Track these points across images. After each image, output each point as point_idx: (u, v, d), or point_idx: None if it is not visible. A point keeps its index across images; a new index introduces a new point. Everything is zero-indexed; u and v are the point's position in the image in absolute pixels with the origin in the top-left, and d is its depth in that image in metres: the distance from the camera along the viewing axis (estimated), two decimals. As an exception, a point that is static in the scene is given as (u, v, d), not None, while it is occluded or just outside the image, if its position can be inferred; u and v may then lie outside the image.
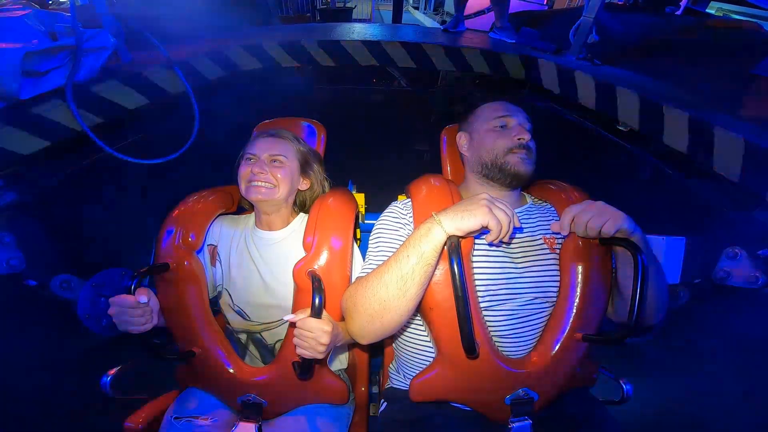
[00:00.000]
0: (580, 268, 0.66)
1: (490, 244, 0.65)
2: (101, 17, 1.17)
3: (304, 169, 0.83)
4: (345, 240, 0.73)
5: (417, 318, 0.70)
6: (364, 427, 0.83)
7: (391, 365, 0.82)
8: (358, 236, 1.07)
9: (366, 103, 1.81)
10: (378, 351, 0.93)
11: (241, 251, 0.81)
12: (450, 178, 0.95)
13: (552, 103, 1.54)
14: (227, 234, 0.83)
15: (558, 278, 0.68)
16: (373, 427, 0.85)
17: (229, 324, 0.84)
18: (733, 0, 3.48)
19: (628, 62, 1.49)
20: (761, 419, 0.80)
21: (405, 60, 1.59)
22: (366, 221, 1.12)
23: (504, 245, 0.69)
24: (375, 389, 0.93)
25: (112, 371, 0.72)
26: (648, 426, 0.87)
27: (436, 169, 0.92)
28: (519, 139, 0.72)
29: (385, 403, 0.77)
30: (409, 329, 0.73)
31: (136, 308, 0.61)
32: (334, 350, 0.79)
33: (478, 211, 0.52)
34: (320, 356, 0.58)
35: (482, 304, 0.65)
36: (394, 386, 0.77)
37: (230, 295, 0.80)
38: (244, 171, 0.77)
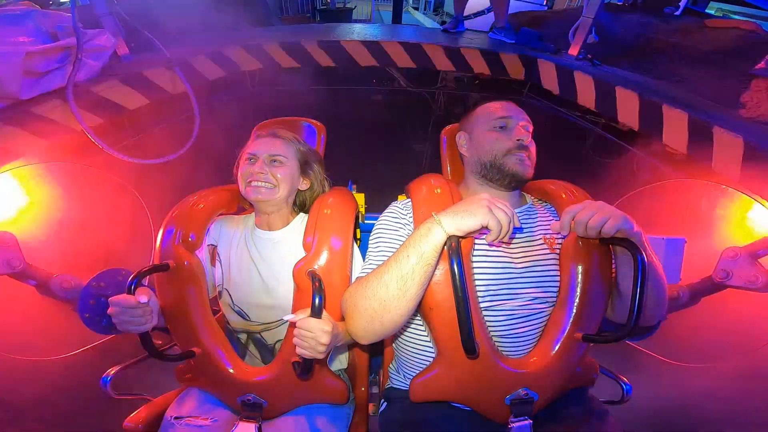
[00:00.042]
0: (580, 268, 0.66)
1: (490, 244, 0.65)
2: (102, 18, 1.17)
3: (304, 169, 0.83)
4: (345, 240, 0.73)
5: (417, 318, 0.70)
6: (364, 427, 0.83)
7: (391, 365, 0.82)
8: (358, 236, 1.07)
9: (366, 103, 1.81)
10: (378, 351, 0.93)
11: (241, 251, 0.81)
12: (450, 178, 0.95)
13: (551, 103, 1.54)
14: (227, 234, 0.83)
15: (558, 278, 0.68)
16: (373, 427, 0.85)
17: (229, 324, 0.84)
18: (732, 0, 3.49)
19: (627, 62, 1.49)
20: (761, 419, 0.80)
21: (405, 60, 1.60)
22: (366, 221, 1.12)
23: (504, 245, 0.69)
24: (375, 389, 0.93)
25: (112, 371, 0.72)
26: (648, 426, 0.87)
27: (436, 169, 0.92)
28: (518, 140, 0.71)
29: (385, 403, 0.77)
30: (409, 329, 0.73)
31: (136, 308, 0.61)
32: (334, 350, 0.79)
33: (478, 211, 0.52)
34: (320, 356, 0.58)
35: (482, 304, 0.65)
36: (394, 386, 0.77)
37: (230, 295, 0.80)
38: (244, 171, 0.77)
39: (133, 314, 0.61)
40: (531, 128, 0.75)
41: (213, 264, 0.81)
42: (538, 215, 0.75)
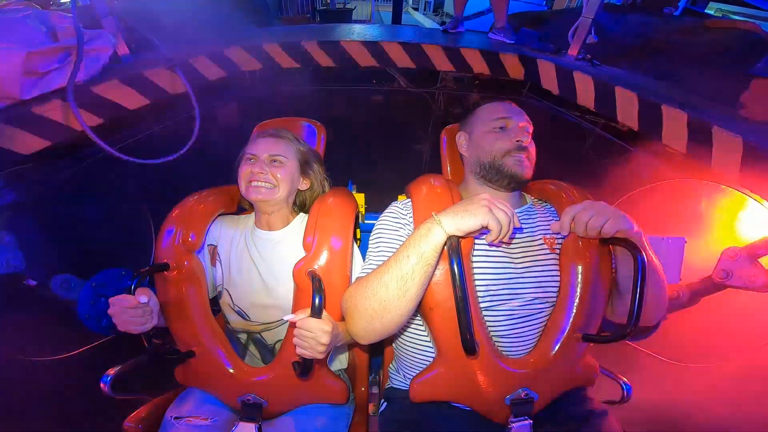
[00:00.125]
0: (580, 268, 0.66)
1: (490, 244, 0.65)
2: (102, 18, 1.17)
3: (304, 169, 0.83)
4: (345, 240, 0.73)
5: (417, 318, 0.70)
6: (364, 427, 0.83)
7: (391, 365, 0.82)
8: (358, 236, 1.07)
9: (366, 104, 1.81)
10: (378, 351, 0.93)
11: (241, 251, 0.81)
12: (450, 178, 0.95)
13: (551, 103, 1.54)
14: (227, 234, 0.83)
15: (558, 278, 0.68)
16: (373, 427, 0.84)
17: (229, 324, 0.84)
18: (731, 0, 3.49)
19: (626, 62, 1.49)
20: (761, 419, 0.80)
21: (405, 60, 1.60)
22: (366, 221, 1.12)
23: (504, 245, 0.69)
24: (375, 389, 0.93)
25: (112, 371, 0.72)
26: (648, 426, 0.87)
27: (436, 169, 0.92)
28: (518, 141, 0.71)
29: (385, 403, 0.77)
30: (409, 329, 0.73)
31: (136, 308, 0.61)
32: (334, 350, 0.79)
33: (478, 211, 0.52)
34: (320, 356, 0.58)
35: (482, 304, 0.65)
36: (394, 386, 0.77)
37: (230, 295, 0.80)
38: (244, 171, 0.77)
39: (133, 314, 0.61)
40: (531, 129, 0.75)
41: (213, 264, 0.81)
42: (538, 215, 0.75)
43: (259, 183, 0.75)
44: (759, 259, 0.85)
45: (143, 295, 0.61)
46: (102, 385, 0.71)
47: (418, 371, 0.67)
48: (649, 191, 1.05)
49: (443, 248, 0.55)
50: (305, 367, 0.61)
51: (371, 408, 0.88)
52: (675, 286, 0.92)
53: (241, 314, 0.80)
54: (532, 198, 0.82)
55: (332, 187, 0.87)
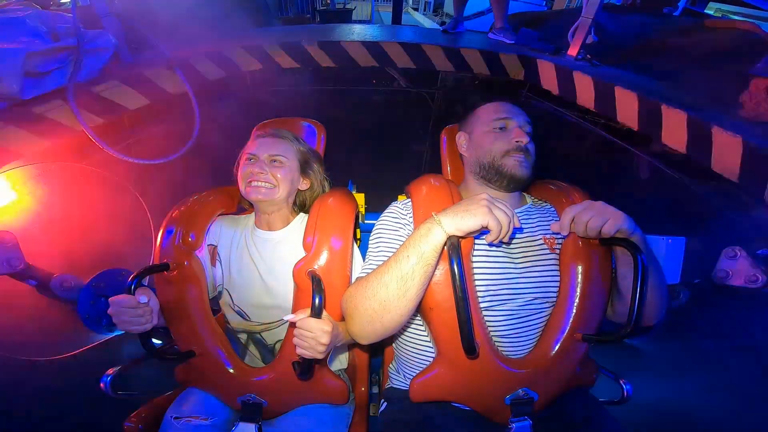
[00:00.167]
0: (580, 268, 0.66)
1: (490, 245, 0.65)
2: (102, 18, 1.17)
3: (304, 169, 0.83)
4: (345, 240, 0.73)
5: (417, 318, 0.70)
6: (364, 427, 0.83)
7: (391, 365, 0.82)
8: (358, 236, 1.07)
9: (366, 104, 1.81)
10: (378, 351, 0.93)
11: (241, 251, 0.81)
12: (450, 178, 0.95)
13: (551, 103, 1.54)
14: (227, 234, 0.83)
15: (558, 278, 0.68)
16: (373, 427, 0.85)
17: (229, 324, 0.84)
18: (731, 0, 3.49)
19: (626, 63, 1.49)
20: (761, 419, 0.80)
21: (404, 61, 1.60)
22: (366, 221, 1.12)
23: (504, 245, 0.69)
24: (375, 389, 0.93)
25: (112, 371, 0.72)
26: (648, 426, 0.87)
27: (436, 169, 0.92)
28: (517, 141, 0.71)
29: (385, 403, 0.77)
30: (409, 329, 0.73)
31: (136, 308, 0.61)
32: (334, 350, 0.79)
33: (477, 212, 0.52)
34: (320, 356, 0.58)
35: (482, 305, 0.65)
36: (394, 386, 0.77)
37: (230, 295, 0.80)
38: (244, 171, 0.77)
39: (133, 314, 0.61)
40: (531, 129, 0.75)
41: (213, 264, 0.81)
42: (538, 215, 0.75)
43: (259, 183, 0.75)
44: (759, 259, 0.85)
45: (143, 295, 0.61)
46: (102, 385, 0.71)
47: (418, 371, 0.67)
48: (648, 191, 1.05)
49: (443, 248, 0.55)
50: (305, 367, 0.61)
51: (371, 408, 0.88)
52: (675, 286, 0.92)
53: (241, 314, 0.80)
54: (532, 198, 0.82)
55: (332, 187, 0.88)
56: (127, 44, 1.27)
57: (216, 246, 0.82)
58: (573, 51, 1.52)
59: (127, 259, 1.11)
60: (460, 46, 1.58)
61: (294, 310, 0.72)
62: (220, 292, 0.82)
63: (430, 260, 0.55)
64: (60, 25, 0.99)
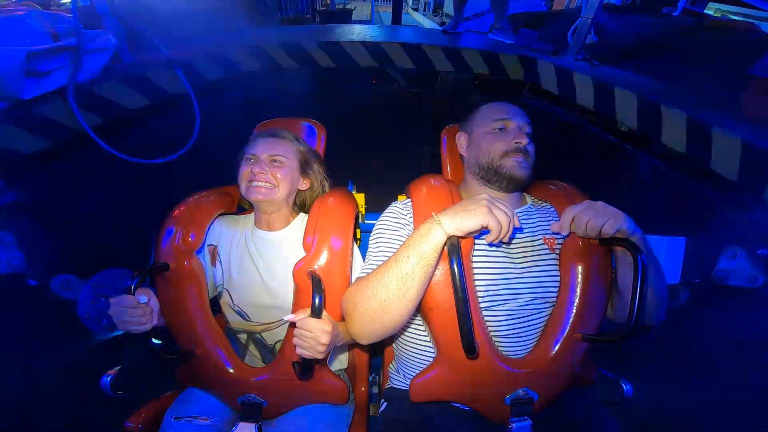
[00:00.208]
0: (580, 269, 0.66)
1: (490, 245, 0.65)
2: (103, 18, 1.17)
3: (304, 169, 0.83)
4: (345, 240, 0.73)
5: (417, 318, 0.70)
6: (364, 427, 0.83)
7: (391, 365, 0.82)
8: (358, 236, 1.07)
9: (366, 104, 1.81)
10: (378, 351, 0.93)
11: (241, 251, 0.81)
12: (450, 178, 0.95)
13: (551, 103, 1.55)
14: (227, 234, 0.83)
15: (558, 278, 0.68)
16: (373, 427, 0.85)
17: (229, 324, 0.84)
18: (730, 0, 3.50)
19: (626, 63, 1.50)
20: (761, 419, 0.80)
21: (404, 61, 1.60)
22: (366, 221, 1.12)
23: (504, 245, 0.69)
24: (375, 389, 0.93)
25: (112, 371, 0.72)
26: (648, 426, 0.87)
27: (436, 169, 0.92)
28: (516, 142, 0.71)
29: (385, 403, 0.77)
30: (409, 329, 0.73)
31: (136, 308, 0.61)
32: (334, 350, 0.79)
33: (477, 212, 0.52)
34: (320, 356, 0.58)
35: (482, 305, 0.65)
36: (394, 386, 0.77)
37: (230, 295, 0.80)
38: (244, 171, 0.77)
39: (133, 314, 0.61)
40: (530, 130, 0.75)
41: (213, 264, 0.81)
42: (538, 215, 0.75)
43: (259, 183, 0.75)
44: (759, 259, 0.85)
45: (143, 295, 0.61)
46: (102, 385, 0.71)
47: (418, 371, 0.67)
48: (648, 191, 1.06)
49: (443, 248, 0.55)
50: (305, 367, 0.61)
51: (371, 408, 0.88)
52: (675, 286, 0.92)
53: (241, 314, 0.80)
54: (532, 198, 0.82)
55: (332, 187, 0.88)
56: (127, 44, 1.27)
57: (216, 246, 0.82)
58: (573, 51, 1.52)
59: (127, 259, 1.11)
60: (460, 46, 1.58)
61: (294, 310, 0.72)
62: (220, 293, 0.82)
63: (430, 260, 0.55)
64: (60, 25, 0.99)
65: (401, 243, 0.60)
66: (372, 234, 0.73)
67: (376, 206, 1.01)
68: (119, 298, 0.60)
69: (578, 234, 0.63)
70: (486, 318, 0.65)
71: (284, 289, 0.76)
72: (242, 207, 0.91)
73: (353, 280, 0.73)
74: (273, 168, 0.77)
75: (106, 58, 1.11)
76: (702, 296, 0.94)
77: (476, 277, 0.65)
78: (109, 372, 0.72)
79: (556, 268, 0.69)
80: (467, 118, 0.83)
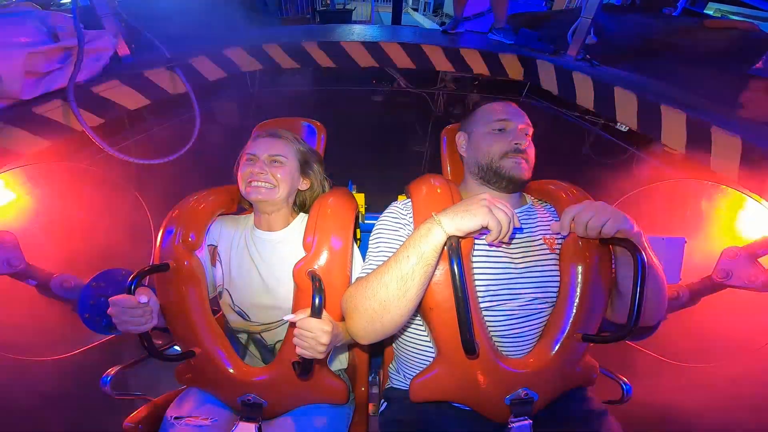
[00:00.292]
0: (580, 269, 0.66)
1: (490, 245, 0.65)
2: (103, 18, 1.18)
3: (304, 169, 0.83)
4: (345, 240, 0.73)
5: (417, 318, 0.70)
6: (364, 427, 0.83)
7: (391, 365, 0.82)
8: (358, 236, 1.07)
9: (366, 104, 1.81)
10: (378, 351, 0.93)
11: (241, 251, 0.81)
12: (450, 178, 0.95)
13: (551, 103, 1.55)
14: (227, 234, 0.83)
15: (558, 278, 0.68)
16: (373, 427, 0.85)
17: (229, 324, 0.84)
18: (730, 0, 3.50)
19: (625, 63, 1.50)
20: (761, 419, 0.80)
21: (404, 61, 1.60)
22: (366, 221, 1.12)
23: (504, 245, 0.69)
24: (375, 389, 0.93)
25: (112, 371, 0.72)
26: (648, 426, 0.87)
27: (436, 169, 0.92)
28: (516, 143, 0.71)
29: (385, 403, 0.77)
30: (409, 329, 0.73)
31: (136, 308, 0.61)
32: (334, 350, 0.79)
33: (477, 212, 0.52)
34: (320, 356, 0.58)
35: (482, 305, 0.65)
36: (394, 386, 0.77)
37: (230, 295, 0.80)
38: (244, 171, 0.77)
39: (133, 314, 0.61)
40: (530, 131, 0.75)
41: (213, 264, 0.81)
42: (538, 215, 0.75)
43: (259, 183, 0.75)
44: (759, 259, 0.85)
45: (143, 295, 0.61)
46: (102, 385, 0.71)
47: (418, 371, 0.67)
48: (649, 191, 1.06)
49: (443, 248, 0.55)
50: (305, 367, 0.61)
51: (371, 408, 0.88)
52: (675, 286, 0.92)
53: (241, 314, 0.80)
54: (532, 198, 0.82)
55: (332, 187, 0.88)
56: (128, 44, 1.27)
57: (216, 246, 0.82)
58: (572, 51, 1.52)
59: (127, 259, 1.11)
60: (460, 46, 1.58)
61: (294, 310, 0.72)
62: (220, 293, 0.82)
63: (430, 260, 0.55)
64: (60, 25, 1.00)
65: (401, 243, 0.60)
66: (372, 234, 0.73)
67: (376, 206, 1.01)
68: (119, 298, 0.60)
69: (578, 234, 0.63)
70: (486, 318, 0.65)
71: (284, 289, 0.76)
72: (242, 207, 0.91)
73: (353, 280, 0.73)
74: (273, 168, 0.77)
75: (106, 58, 1.11)
76: (702, 296, 0.94)
77: (476, 277, 0.65)
78: (109, 372, 0.72)
79: (556, 268, 0.69)
80: (467, 118, 0.83)
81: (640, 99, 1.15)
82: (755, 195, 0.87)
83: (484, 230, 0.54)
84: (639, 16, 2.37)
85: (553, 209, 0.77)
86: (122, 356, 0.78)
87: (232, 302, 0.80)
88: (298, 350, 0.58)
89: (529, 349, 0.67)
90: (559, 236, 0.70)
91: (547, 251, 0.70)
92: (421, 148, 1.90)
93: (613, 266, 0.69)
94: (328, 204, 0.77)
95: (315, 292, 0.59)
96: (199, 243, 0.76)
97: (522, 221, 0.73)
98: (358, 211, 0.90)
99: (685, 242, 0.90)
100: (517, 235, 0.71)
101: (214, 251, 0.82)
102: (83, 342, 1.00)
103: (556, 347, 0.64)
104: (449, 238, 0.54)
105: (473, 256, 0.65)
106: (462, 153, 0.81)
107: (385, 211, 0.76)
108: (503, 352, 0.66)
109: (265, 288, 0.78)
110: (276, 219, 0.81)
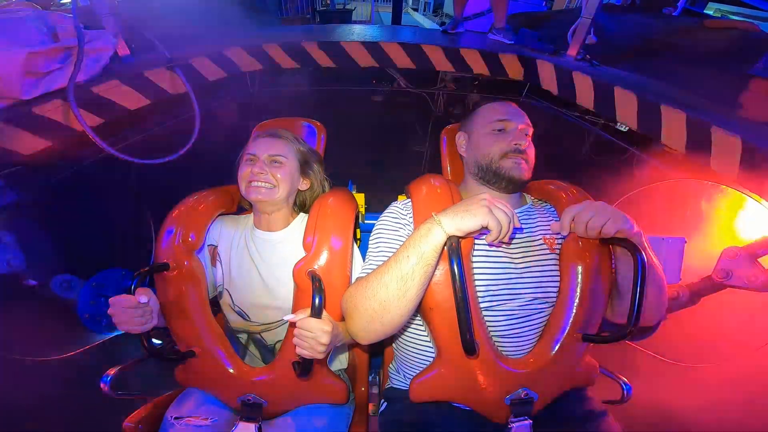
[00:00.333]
0: (580, 268, 0.66)
1: (490, 245, 0.65)
2: (103, 18, 1.18)
3: (304, 169, 0.83)
4: (345, 240, 0.73)
5: (417, 318, 0.70)
6: (364, 427, 0.83)
7: (391, 365, 0.82)
8: (358, 236, 1.07)
9: (366, 104, 1.81)
10: (378, 351, 0.93)
11: (241, 251, 0.81)
12: (450, 178, 0.95)
13: (551, 103, 1.55)
14: (227, 234, 0.83)
15: (558, 278, 0.68)
16: (373, 427, 0.84)
17: (229, 324, 0.84)
18: (730, 1, 3.50)
19: (625, 63, 1.49)
20: (761, 420, 0.80)
21: (404, 61, 1.60)
22: (366, 221, 1.12)
23: (504, 245, 0.69)
24: (375, 389, 0.93)
25: (112, 371, 0.72)
26: (648, 426, 0.87)
27: (436, 169, 0.92)
28: (516, 144, 0.71)
29: (385, 403, 0.77)
30: (409, 329, 0.73)
31: (136, 308, 0.61)
32: (334, 350, 0.79)
33: (477, 212, 0.52)
34: (320, 356, 0.58)
35: (482, 305, 0.65)
36: (394, 386, 0.77)
37: (230, 295, 0.80)
38: (244, 171, 0.77)
39: (133, 314, 0.61)
40: (530, 131, 0.75)
41: (213, 264, 0.81)
42: (538, 215, 0.75)
43: (259, 183, 0.75)
44: (759, 259, 0.85)
45: (143, 295, 0.61)
46: (102, 385, 0.71)
47: (418, 371, 0.67)
48: (649, 191, 1.06)
49: (443, 248, 0.55)
50: (305, 367, 0.61)
51: (371, 408, 0.88)
52: (675, 286, 0.92)
53: (241, 314, 0.81)
54: (532, 198, 0.82)
55: (332, 187, 0.88)
56: (128, 44, 1.27)
57: (216, 246, 0.82)
58: (572, 51, 1.52)
59: (127, 259, 1.11)
60: (460, 46, 1.58)
61: (294, 310, 0.72)
62: (220, 293, 0.82)
63: (430, 260, 0.55)
64: (60, 25, 0.99)
65: (401, 243, 0.60)
66: (372, 234, 0.73)
67: (376, 206, 1.01)
68: (119, 298, 0.60)
69: (578, 234, 0.63)
70: (486, 318, 0.65)
71: (284, 289, 0.76)
72: (242, 207, 0.91)
73: (353, 280, 0.73)
74: (273, 168, 0.77)
75: (106, 58, 1.11)
76: (702, 296, 0.94)
77: (476, 277, 0.65)
78: (109, 372, 0.72)
79: (556, 268, 0.69)
80: (467, 118, 0.83)
81: (640, 99, 1.15)
82: (755, 195, 0.87)
83: (484, 230, 0.54)
84: (639, 16, 2.37)
85: (553, 209, 0.77)
86: (122, 356, 0.78)
87: (232, 302, 0.80)
88: (298, 350, 0.58)
89: (529, 349, 0.67)
90: (559, 236, 0.70)
91: (547, 251, 0.70)
92: (421, 148, 1.90)
93: (613, 266, 0.69)
94: (328, 204, 0.77)
95: (315, 292, 0.59)
96: (199, 243, 0.76)
97: (522, 221, 0.73)
98: (358, 211, 0.90)
99: (685, 242, 0.90)
100: (517, 235, 0.71)
101: (214, 251, 0.82)
102: (83, 342, 1.00)
103: (556, 347, 0.64)
104: (449, 238, 0.54)
105: (473, 256, 0.65)
106: (462, 153, 0.81)
107: (385, 211, 0.76)
108: (503, 352, 0.66)
109: (265, 288, 0.78)
110: (276, 219, 0.81)
